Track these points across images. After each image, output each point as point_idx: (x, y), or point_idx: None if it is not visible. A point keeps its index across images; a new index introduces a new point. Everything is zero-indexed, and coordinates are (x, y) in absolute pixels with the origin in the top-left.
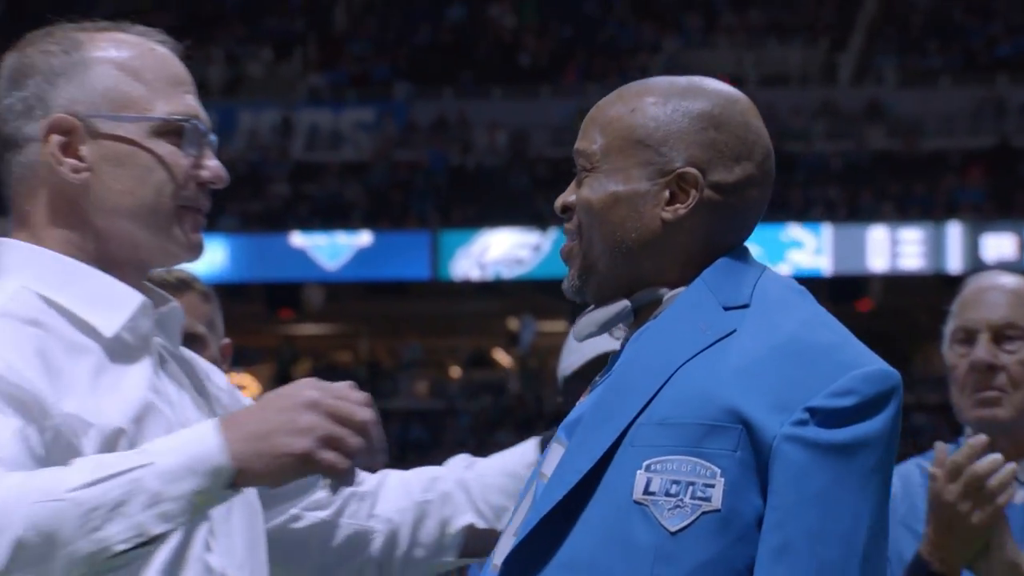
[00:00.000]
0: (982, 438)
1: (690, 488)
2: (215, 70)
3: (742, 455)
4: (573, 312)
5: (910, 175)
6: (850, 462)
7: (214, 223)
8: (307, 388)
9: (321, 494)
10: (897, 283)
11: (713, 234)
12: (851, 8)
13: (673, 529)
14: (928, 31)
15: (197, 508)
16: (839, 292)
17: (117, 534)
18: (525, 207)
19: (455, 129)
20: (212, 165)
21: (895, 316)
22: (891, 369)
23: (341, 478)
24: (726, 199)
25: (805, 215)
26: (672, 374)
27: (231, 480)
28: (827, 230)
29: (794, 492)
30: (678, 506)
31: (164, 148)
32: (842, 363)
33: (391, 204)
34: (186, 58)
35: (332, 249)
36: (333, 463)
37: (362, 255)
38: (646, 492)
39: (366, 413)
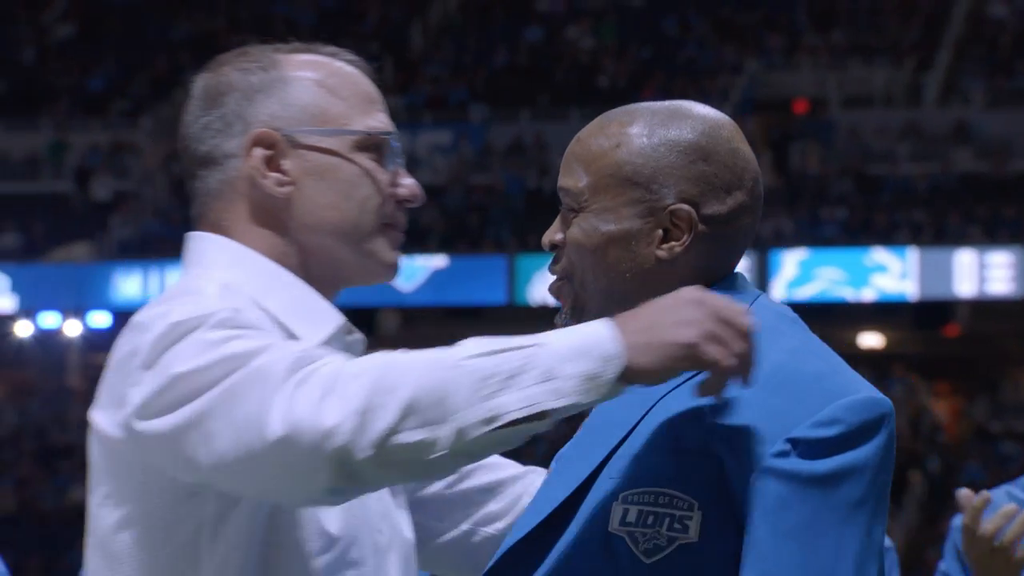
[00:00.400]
0: (1011, 507)
1: (667, 520)
2: None
3: (720, 487)
4: None
5: (998, 197)
6: (832, 494)
7: None
8: (692, 290)
9: (494, 506)
10: (985, 308)
11: (706, 265)
12: (937, 27)
13: (649, 561)
14: (1016, 50)
15: (587, 393)
16: (925, 318)
17: (510, 403)
18: None
19: (532, 152)
20: (409, 183)
21: (982, 342)
22: (881, 396)
23: (719, 379)
24: (720, 231)
25: (890, 239)
26: (652, 405)
27: (621, 370)
28: (913, 254)
29: (772, 526)
30: (655, 537)
31: (367, 163)
32: (828, 392)
33: (467, 228)
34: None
35: (407, 273)
36: (717, 358)
37: (438, 279)
38: (622, 523)
39: (748, 319)
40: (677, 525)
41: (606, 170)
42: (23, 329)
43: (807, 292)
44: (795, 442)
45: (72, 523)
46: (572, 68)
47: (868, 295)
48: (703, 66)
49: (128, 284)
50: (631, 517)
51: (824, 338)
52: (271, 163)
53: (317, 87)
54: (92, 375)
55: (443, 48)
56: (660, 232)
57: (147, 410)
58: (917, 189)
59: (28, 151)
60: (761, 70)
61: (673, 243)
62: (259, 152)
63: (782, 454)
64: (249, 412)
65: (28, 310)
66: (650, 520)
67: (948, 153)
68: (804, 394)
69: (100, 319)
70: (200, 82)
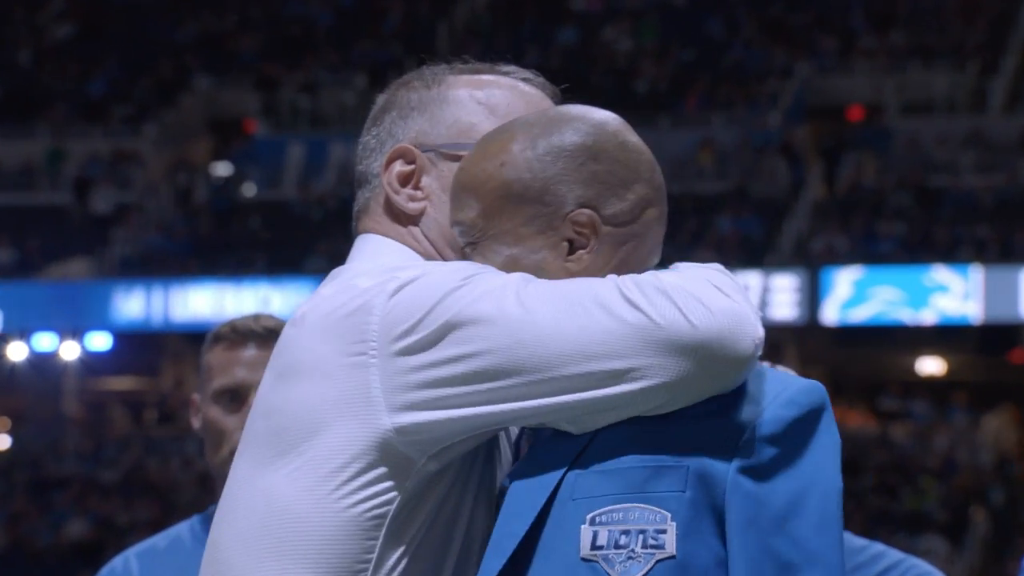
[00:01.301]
0: None
1: (641, 536)
2: (302, 97)
3: (692, 495)
4: None
5: None
6: (816, 481)
7: (300, 264)
8: None
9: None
10: None
11: (622, 267)
12: (1003, 28)
13: None
14: None
15: None
16: (989, 342)
17: None
18: None
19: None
20: None
21: None
22: (817, 382)
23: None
24: (627, 228)
25: (952, 256)
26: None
27: None
28: (976, 273)
29: (752, 524)
30: (631, 557)
31: None
32: (781, 381)
33: None
34: (557, 96)
35: None
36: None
37: None
38: (593, 547)
39: None
40: (652, 541)
41: (496, 192)
42: (16, 351)
43: (862, 314)
44: (758, 436)
45: (68, 561)
46: (609, 72)
47: (928, 317)
48: (750, 70)
49: (130, 303)
50: (601, 539)
51: (880, 364)
52: (409, 179)
53: (476, 104)
54: (90, 401)
55: (470, 50)
56: (565, 243)
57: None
58: (981, 203)
59: (23, 160)
60: (813, 74)
61: (580, 252)
62: (397, 167)
63: (747, 451)
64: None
65: (22, 331)
66: (622, 540)
67: (1015, 164)
68: (761, 387)
69: (99, 341)
70: (378, 99)
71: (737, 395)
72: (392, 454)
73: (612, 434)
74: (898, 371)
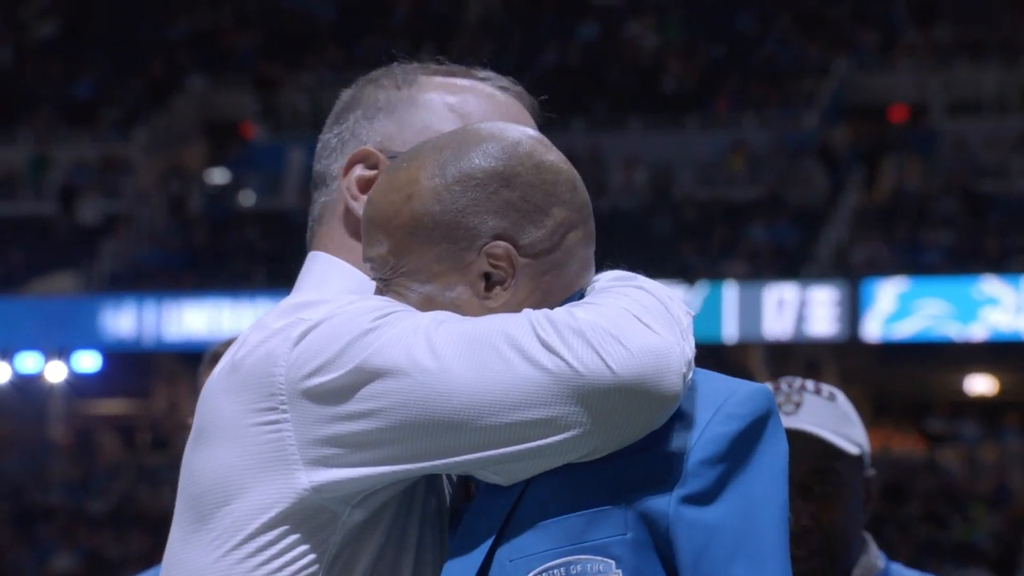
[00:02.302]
0: None
1: None
2: (303, 99)
3: (634, 536)
4: None
5: None
6: (765, 496)
7: (296, 277)
8: None
9: None
10: None
11: (545, 299)
12: None
13: None
14: None
15: None
16: None
17: None
18: (668, 257)
19: (586, 166)
20: None
21: None
22: (763, 384)
23: None
24: (547, 257)
25: (1003, 266)
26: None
27: None
28: None
29: (714, 553)
30: None
31: None
32: (715, 392)
33: None
34: (544, 113)
35: None
36: None
37: None
38: None
39: None
40: None
41: (404, 228)
42: None
43: (906, 329)
44: (699, 460)
45: None
46: (632, 70)
47: (978, 332)
48: (784, 67)
49: (120, 321)
50: None
51: (926, 383)
52: (370, 185)
53: (448, 111)
54: (77, 426)
55: (484, 47)
56: (482, 279)
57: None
58: None
59: (4, 167)
60: (852, 71)
61: (498, 288)
62: (357, 171)
63: (688, 478)
64: None
65: (4, 351)
66: None
67: None
68: (694, 404)
69: (87, 361)
70: (342, 95)
71: (671, 419)
72: (313, 510)
73: (544, 484)
74: (946, 391)
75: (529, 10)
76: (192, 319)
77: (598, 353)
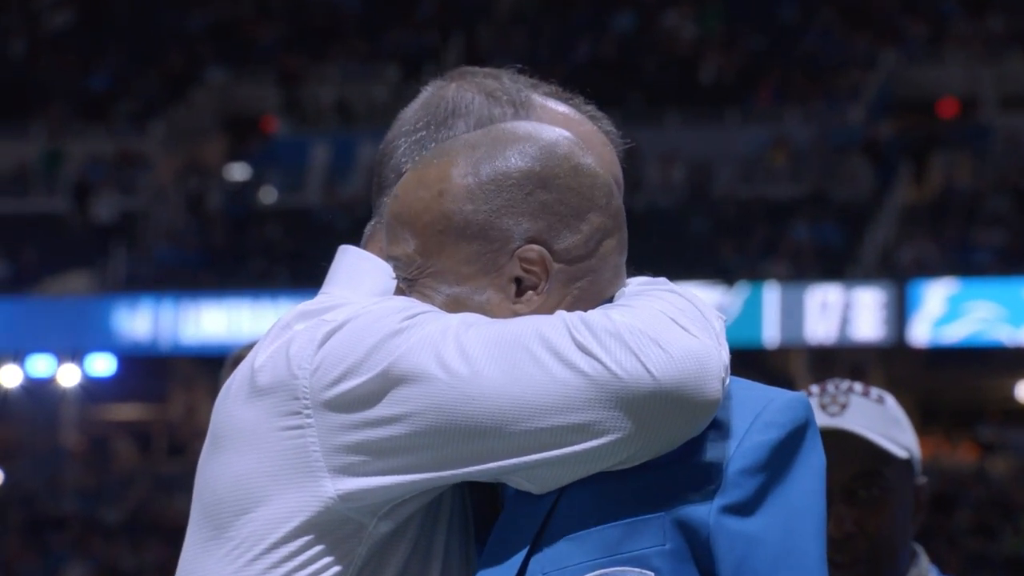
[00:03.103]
0: None
1: None
2: (329, 92)
3: (673, 547)
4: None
5: None
6: (806, 509)
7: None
8: None
9: None
10: None
11: (576, 305)
12: None
13: None
14: None
15: None
16: None
17: None
18: (707, 257)
19: (621, 162)
20: None
21: None
22: (799, 393)
23: None
24: (581, 263)
25: None
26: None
27: None
28: None
29: (756, 565)
30: None
31: None
32: (752, 400)
33: None
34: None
35: None
36: None
37: None
38: None
39: None
40: None
41: (434, 226)
42: (9, 376)
43: (956, 333)
44: (739, 469)
45: None
46: (670, 62)
47: None
48: (829, 59)
49: (135, 322)
50: None
51: (976, 389)
52: None
53: None
54: (91, 432)
55: (515, 39)
56: (513, 283)
57: None
58: None
59: (17, 163)
60: (900, 64)
61: (530, 293)
62: None
63: (728, 488)
64: None
65: (15, 353)
66: None
67: None
68: (733, 413)
69: (101, 365)
70: (429, 91)
71: (708, 427)
72: (338, 521)
73: (578, 493)
74: (997, 398)
75: (562, 0)
76: (211, 321)
77: (637, 356)
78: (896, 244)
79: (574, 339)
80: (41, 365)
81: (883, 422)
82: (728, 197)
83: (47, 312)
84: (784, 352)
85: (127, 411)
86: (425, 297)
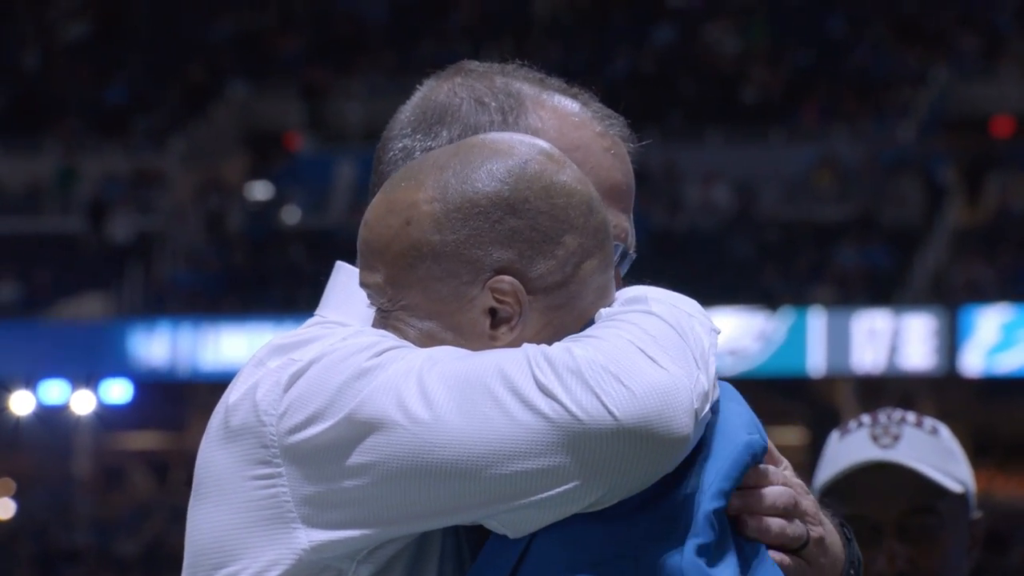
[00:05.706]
0: None
1: None
2: (355, 107)
3: None
4: (812, 418)
5: None
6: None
7: None
8: None
9: None
10: None
11: (560, 333)
12: None
13: None
14: None
15: None
16: None
17: None
18: (750, 281)
19: (660, 182)
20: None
21: None
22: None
23: None
24: (559, 291)
25: None
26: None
27: None
28: None
29: None
30: None
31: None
32: (737, 429)
33: None
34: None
35: None
36: None
37: None
38: None
39: None
40: None
41: (403, 257)
42: (21, 403)
43: (1011, 362)
44: (711, 510)
45: None
46: (711, 78)
47: None
48: (878, 76)
49: (152, 347)
50: None
51: None
52: None
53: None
54: (105, 461)
55: (550, 52)
56: (487, 315)
57: None
58: None
59: (30, 180)
60: (953, 81)
61: (503, 326)
62: None
63: (701, 526)
64: None
65: (27, 379)
66: None
67: None
68: (709, 452)
69: (117, 391)
70: (424, 90)
71: (688, 458)
72: (316, 569)
73: (550, 536)
74: None
75: (599, 11)
76: (231, 346)
77: (597, 396)
78: (948, 268)
79: (535, 378)
80: (54, 392)
81: (937, 455)
82: (772, 219)
83: (60, 336)
84: (830, 382)
85: (143, 440)
86: (399, 331)
